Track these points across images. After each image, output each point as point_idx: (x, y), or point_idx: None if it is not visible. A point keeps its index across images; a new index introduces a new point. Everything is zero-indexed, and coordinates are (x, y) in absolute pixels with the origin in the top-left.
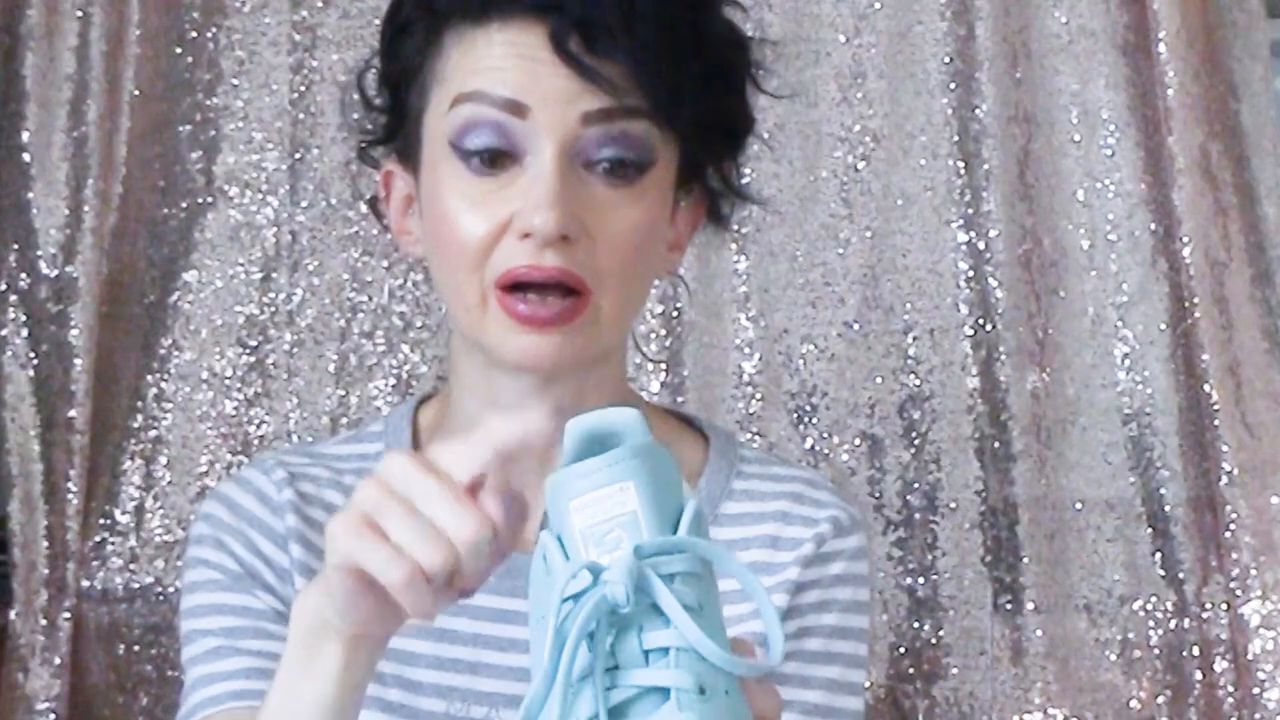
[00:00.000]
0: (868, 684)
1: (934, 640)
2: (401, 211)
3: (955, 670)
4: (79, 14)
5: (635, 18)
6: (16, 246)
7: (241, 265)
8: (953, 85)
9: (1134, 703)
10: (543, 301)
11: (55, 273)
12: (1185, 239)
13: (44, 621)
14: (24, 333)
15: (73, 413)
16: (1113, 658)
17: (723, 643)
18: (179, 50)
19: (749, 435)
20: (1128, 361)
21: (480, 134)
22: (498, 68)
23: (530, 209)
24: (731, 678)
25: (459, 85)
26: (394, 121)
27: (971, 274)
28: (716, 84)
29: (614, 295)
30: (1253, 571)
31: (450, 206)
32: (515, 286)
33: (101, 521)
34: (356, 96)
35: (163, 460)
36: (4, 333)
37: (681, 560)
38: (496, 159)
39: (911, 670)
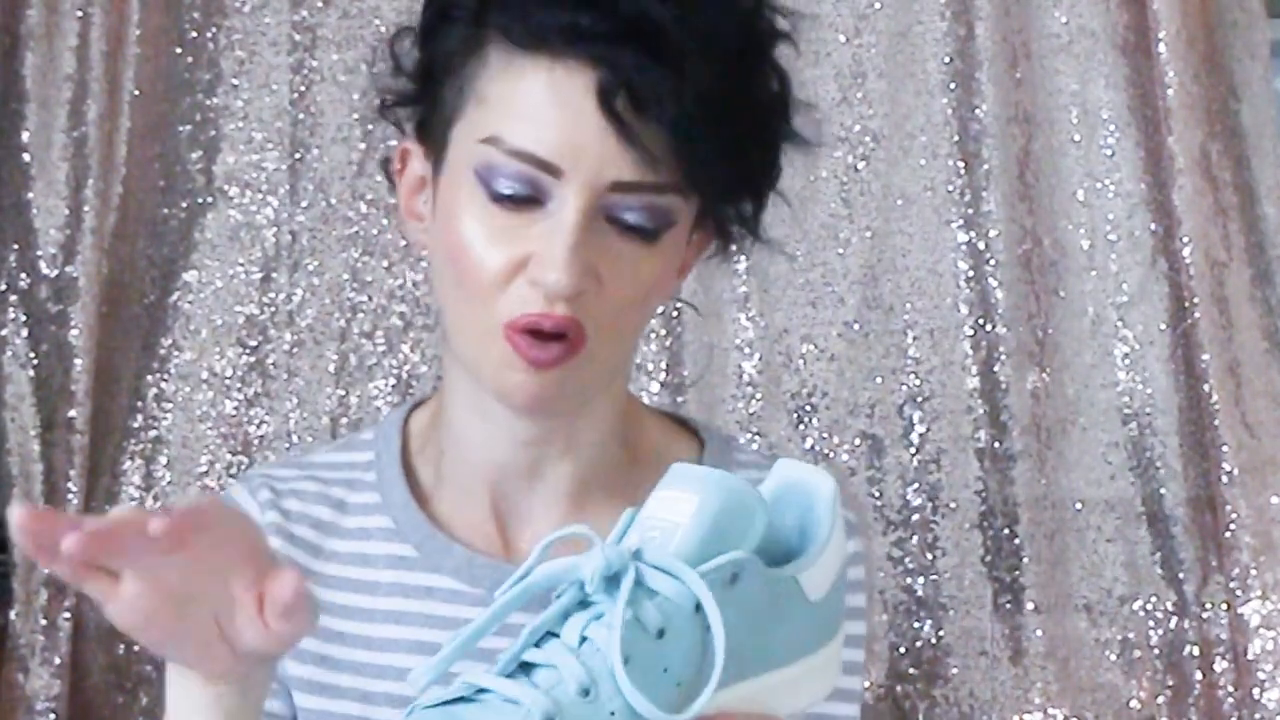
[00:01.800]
0: (867, 684)
1: (934, 640)
2: (413, 191)
3: (955, 670)
4: (79, 14)
5: (686, 84)
6: (16, 246)
7: (241, 265)
8: (953, 85)
9: (1134, 703)
10: (544, 346)
11: (55, 273)
12: (1185, 239)
13: (44, 621)
14: (24, 333)
15: (73, 413)
16: (1113, 658)
17: (656, 683)
18: (179, 50)
19: (749, 435)
20: (1128, 361)
21: (508, 181)
22: (540, 119)
23: (548, 263)
24: (630, 708)
25: (495, 123)
26: (422, 95)
27: (971, 274)
28: (753, 150)
29: (611, 342)
30: (1253, 571)
31: (468, 231)
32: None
33: None
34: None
35: (163, 460)
36: (4, 333)
37: (670, 584)
38: (520, 201)
39: (911, 670)
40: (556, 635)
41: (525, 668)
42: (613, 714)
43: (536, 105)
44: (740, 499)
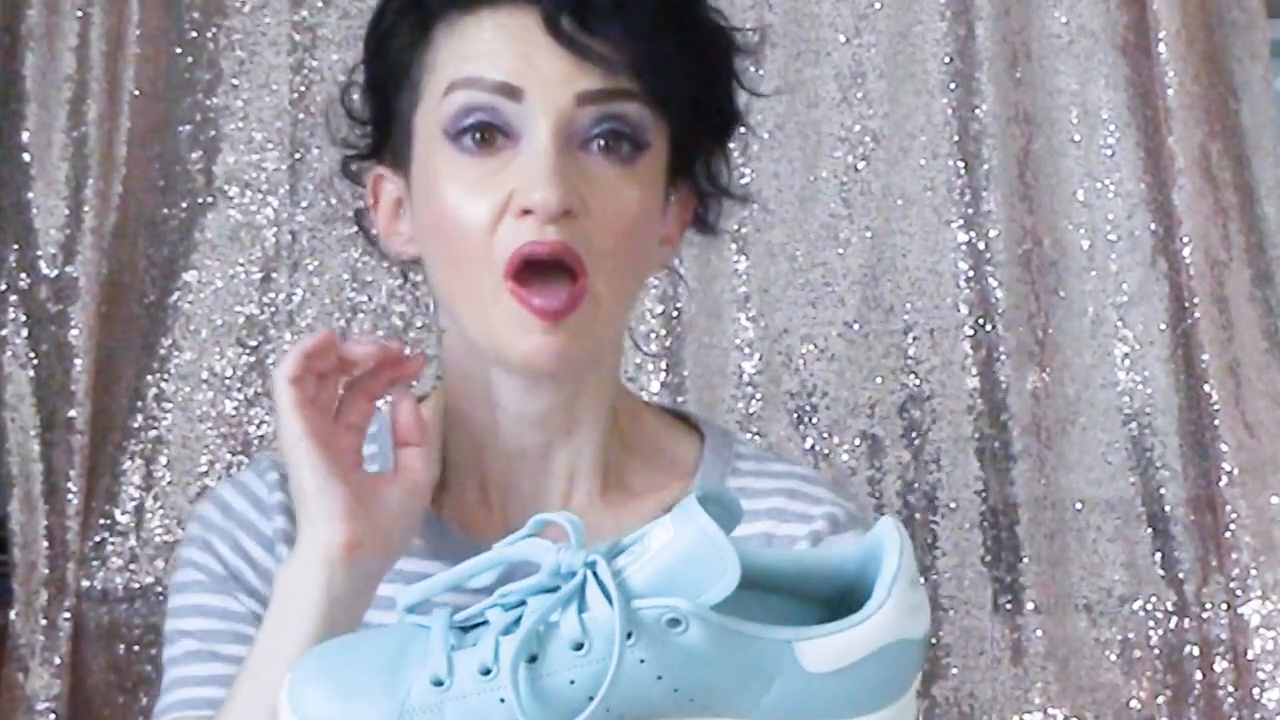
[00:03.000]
0: None
1: (934, 640)
2: (391, 215)
3: (955, 670)
4: (79, 14)
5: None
6: (16, 246)
7: (241, 265)
8: (953, 85)
9: (1134, 703)
10: (552, 291)
11: (55, 273)
12: (1185, 239)
13: (44, 621)
14: (24, 333)
15: (73, 413)
16: (1113, 658)
17: (557, 690)
18: (179, 50)
19: (749, 435)
20: (1128, 361)
21: (474, 117)
22: (490, 52)
23: (530, 185)
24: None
25: (452, 72)
26: (382, 129)
27: (971, 274)
28: (704, 69)
29: (609, 278)
30: (1253, 571)
31: (448, 194)
32: (524, 269)
33: (101, 521)
34: (344, 112)
35: (163, 460)
36: (4, 333)
37: (603, 606)
38: (491, 138)
39: None
40: (524, 604)
41: (483, 625)
42: (502, 701)
43: (487, 42)
44: (709, 552)
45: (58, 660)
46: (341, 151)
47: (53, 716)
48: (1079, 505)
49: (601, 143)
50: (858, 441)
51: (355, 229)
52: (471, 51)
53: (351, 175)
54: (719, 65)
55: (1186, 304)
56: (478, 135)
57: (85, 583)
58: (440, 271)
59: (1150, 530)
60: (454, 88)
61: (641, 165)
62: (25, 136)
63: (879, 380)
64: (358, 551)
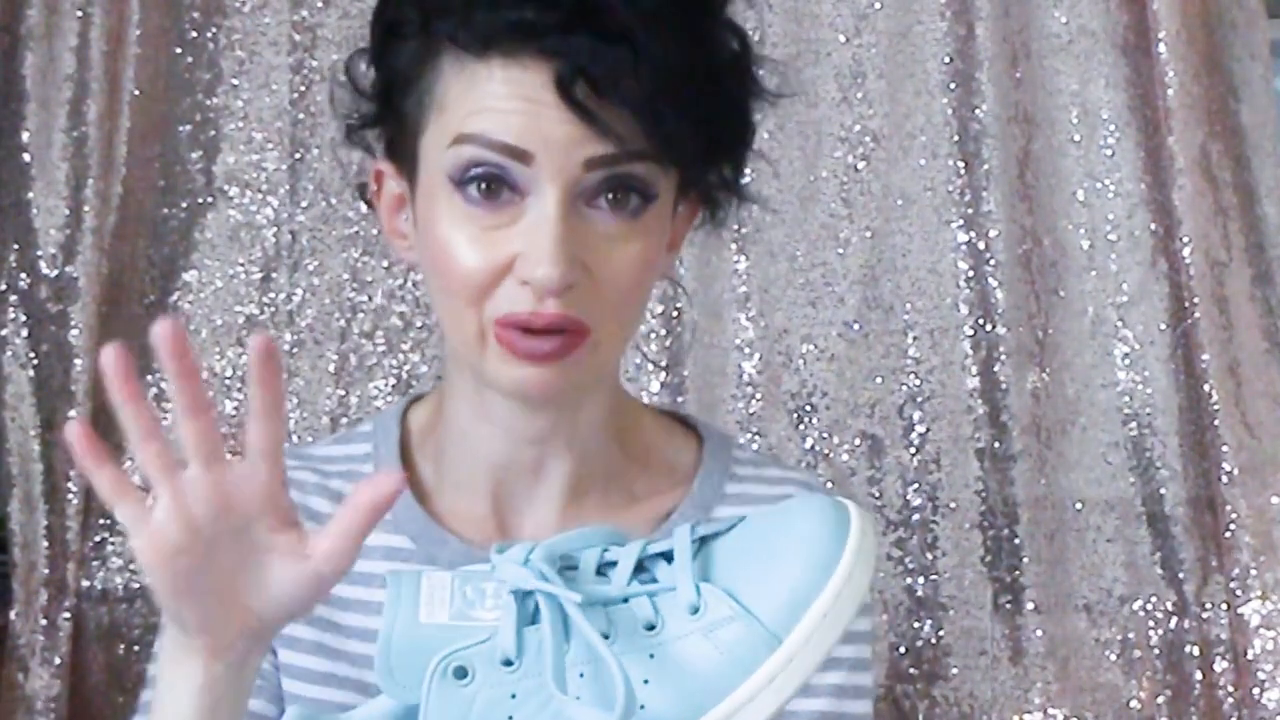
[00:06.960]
0: None
1: (934, 640)
2: (393, 211)
3: (955, 670)
4: (79, 14)
5: (641, 62)
6: (16, 246)
7: (241, 265)
8: (953, 85)
9: (1134, 703)
10: (539, 339)
11: (55, 273)
12: (1185, 239)
13: (44, 621)
14: (24, 333)
15: (73, 413)
16: (1113, 658)
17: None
18: (179, 50)
19: (749, 435)
20: (1128, 361)
21: (481, 175)
22: (500, 110)
23: (533, 259)
24: None
25: (460, 124)
26: (385, 115)
27: (971, 274)
28: (722, 117)
29: (613, 329)
30: (1253, 571)
31: (449, 239)
32: (516, 328)
33: (101, 521)
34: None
35: None
36: (4, 333)
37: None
38: (497, 190)
39: (911, 670)
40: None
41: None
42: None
43: (497, 99)
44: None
45: (58, 660)
46: (344, 122)
47: (53, 716)
48: (1079, 505)
49: (610, 196)
50: (858, 441)
51: (355, 229)
52: (481, 106)
53: (356, 143)
54: (737, 106)
55: (1186, 304)
56: (484, 185)
57: (85, 583)
58: (435, 296)
59: (1150, 530)
60: (462, 141)
61: (648, 216)
62: (25, 136)
63: (879, 380)
64: (222, 655)
